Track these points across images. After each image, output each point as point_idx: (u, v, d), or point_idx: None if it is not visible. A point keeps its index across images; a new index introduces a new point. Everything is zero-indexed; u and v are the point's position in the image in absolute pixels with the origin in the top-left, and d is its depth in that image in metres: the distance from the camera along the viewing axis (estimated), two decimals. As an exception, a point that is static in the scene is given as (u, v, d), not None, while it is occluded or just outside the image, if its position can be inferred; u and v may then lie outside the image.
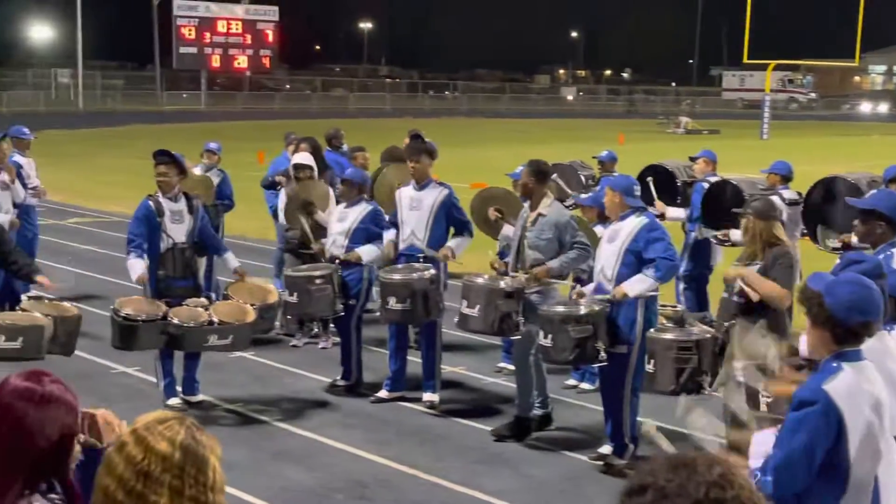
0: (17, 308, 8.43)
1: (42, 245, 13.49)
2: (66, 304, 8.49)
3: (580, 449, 8.25)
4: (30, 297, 12.26)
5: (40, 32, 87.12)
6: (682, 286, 11.64)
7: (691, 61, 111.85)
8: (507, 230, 9.52)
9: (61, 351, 8.10)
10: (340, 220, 9.81)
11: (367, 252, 9.56)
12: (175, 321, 8.53)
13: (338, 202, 10.26)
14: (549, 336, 7.70)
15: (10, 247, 8.47)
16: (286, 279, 9.70)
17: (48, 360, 8.00)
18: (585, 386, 9.85)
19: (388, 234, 9.52)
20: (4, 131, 12.34)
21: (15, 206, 11.60)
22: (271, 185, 12.23)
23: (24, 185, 11.95)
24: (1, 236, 8.41)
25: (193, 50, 64.68)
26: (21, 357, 7.73)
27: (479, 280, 8.48)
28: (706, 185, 11.55)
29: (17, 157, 12.43)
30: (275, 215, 12.44)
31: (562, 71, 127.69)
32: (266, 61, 68.10)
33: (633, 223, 7.65)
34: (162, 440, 2.41)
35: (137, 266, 8.79)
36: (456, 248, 9.35)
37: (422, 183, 9.44)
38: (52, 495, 2.76)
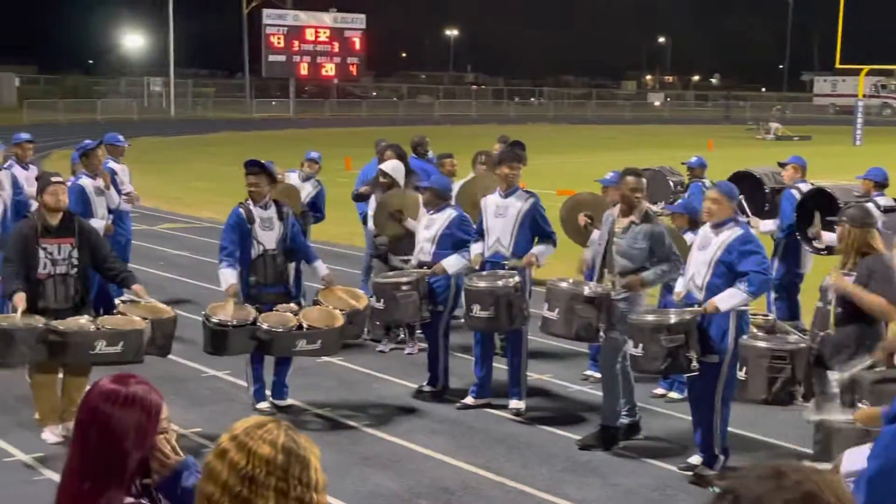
0: (113, 311, 8.61)
1: (134, 250, 13.76)
2: (162, 305, 8.65)
3: (668, 458, 8.15)
4: (124, 301, 12.55)
5: (133, 42, 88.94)
6: (773, 295, 11.43)
7: (781, 66, 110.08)
8: (596, 235, 9.45)
9: (158, 352, 8.26)
10: (427, 226, 9.84)
11: (452, 264, 9.55)
12: (264, 326, 8.62)
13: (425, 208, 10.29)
14: (640, 345, 7.61)
15: (107, 251, 8.67)
16: (373, 285, 9.75)
17: (143, 364, 8.16)
18: (674, 395, 9.73)
19: (476, 247, 9.48)
20: (100, 138, 12.61)
21: (110, 211, 11.85)
22: (360, 198, 12.32)
23: (119, 191, 12.20)
24: (97, 242, 8.61)
25: (282, 58, 65.48)
26: (121, 361, 7.92)
27: (562, 284, 8.44)
28: (795, 192, 11.35)
29: (112, 164, 12.69)
30: (364, 221, 12.53)
31: (649, 77, 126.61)
32: (353, 69, 68.67)
33: (728, 234, 7.53)
34: (264, 444, 2.42)
35: (229, 276, 8.92)
36: (540, 256, 9.31)
37: (508, 190, 9.42)
38: (143, 500, 2.80)
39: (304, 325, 8.70)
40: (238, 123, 57.54)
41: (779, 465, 1.93)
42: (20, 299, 8.02)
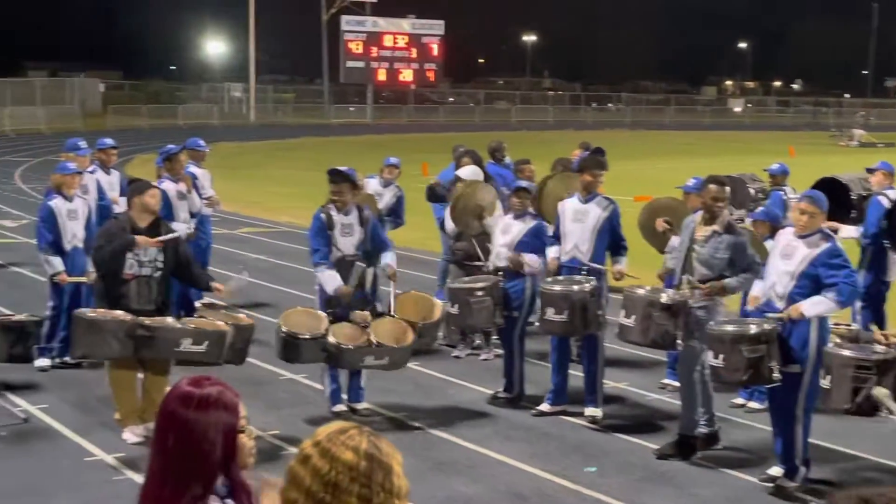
0: (195, 315, 8.75)
1: (214, 253, 13.93)
2: (240, 314, 8.79)
3: (748, 469, 8.02)
4: (204, 305, 12.73)
5: (215, 48, 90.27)
6: (858, 304, 11.19)
7: (865, 72, 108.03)
8: (675, 241, 9.36)
9: (235, 358, 8.37)
10: (505, 231, 9.81)
11: (531, 259, 9.56)
12: (333, 340, 8.69)
13: (505, 212, 10.27)
14: (721, 356, 7.50)
15: (188, 258, 8.81)
16: (448, 291, 9.75)
17: (221, 368, 8.26)
18: (754, 405, 9.58)
19: (552, 251, 9.45)
20: (182, 143, 12.81)
21: (192, 215, 12.02)
22: (436, 198, 12.33)
23: (200, 196, 12.38)
24: (180, 247, 8.74)
25: (360, 64, 65.96)
26: (202, 361, 8.07)
27: (639, 291, 8.35)
28: (882, 199, 11.11)
29: (193, 168, 12.87)
30: (441, 226, 12.55)
31: (729, 82, 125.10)
32: (431, 75, 68.92)
33: (815, 246, 7.38)
34: (346, 450, 2.42)
35: (333, 277, 8.98)
36: (624, 268, 9.34)
37: (588, 196, 9.37)
38: (228, 500, 2.81)
39: (374, 342, 8.74)
40: (316, 129, 58.06)
41: (865, 494, 1.88)
42: (91, 275, 8.27)
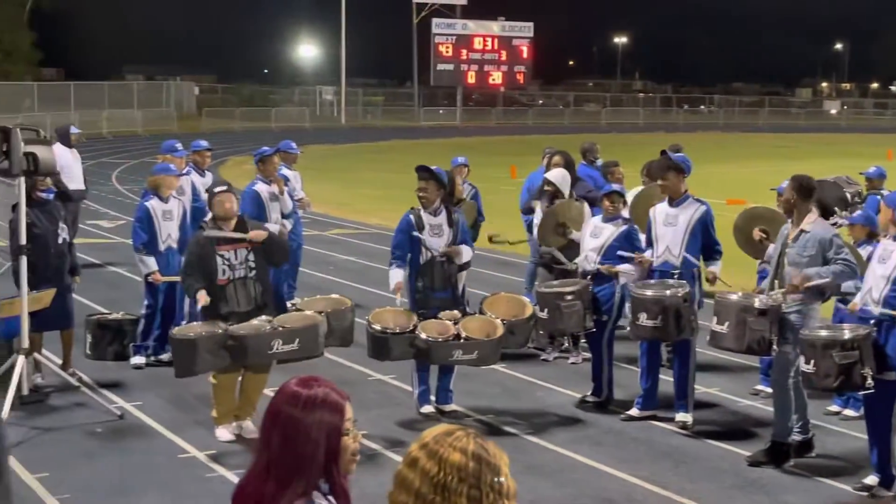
0: (294, 305, 8.87)
1: (305, 255, 14.08)
2: (340, 296, 8.92)
3: (842, 478, 7.85)
4: (293, 304, 12.86)
5: (307, 52, 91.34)
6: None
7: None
8: (771, 250, 9.21)
9: (340, 342, 8.54)
10: (594, 235, 9.75)
11: (626, 268, 9.48)
12: (422, 335, 8.72)
13: (594, 213, 10.21)
14: (812, 361, 7.36)
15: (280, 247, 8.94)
16: (537, 295, 9.73)
17: (316, 366, 8.35)
18: (849, 412, 9.38)
19: (645, 256, 9.37)
20: (275, 146, 12.97)
21: (283, 216, 12.16)
22: (531, 211, 12.33)
23: (292, 197, 12.52)
24: (273, 240, 8.86)
25: (450, 67, 66.17)
26: (301, 356, 8.20)
27: (732, 297, 8.23)
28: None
29: (285, 171, 13.02)
30: (529, 229, 12.53)
31: (825, 84, 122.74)
32: (520, 77, 68.85)
33: None
34: (454, 451, 2.43)
35: (395, 275, 9.14)
36: (718, 271, 9.23)
37: (676, 199, 9.27)
38: (331, 497, 2.84)
39: (462, 336, 8.75)
40: (406, 131, 58.39)
41: None
42: (202, 296, 8.39)
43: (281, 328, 8.20)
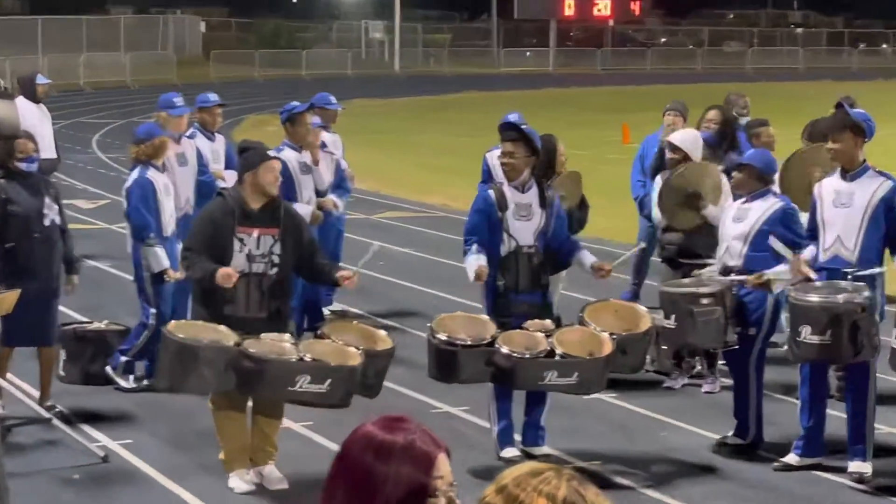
0: (319, 331, 8.88)
1: (347, 245, 14.11)
2: (380, 331, 8.91)
3: None
4: (333, 312, 12.94)
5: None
6: None
7: None
8: None
9: (365, 392, 8.52)
10: (737, 219, 9.67)
11: (779, 273, 9.34)
12: (504, 350, 8.70)
13: (733, 195, 10.13)
14: None
15: (314, 247, 8.96)
16: (661, 297, 9.67)
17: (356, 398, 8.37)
18: None
19: (807, 251, 9.23)
20: (308, 101, 12.97)
21: (318, 194, 12.19)
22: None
23: (339, 169, 12.58)
24: (304, 236, 8.86)
25: (540, -7, 65.96)
26: (323, 403, 8.28)
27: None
28: None
29: (323, 133, 13.05)
30: (641, 207, 12.48)
31: None
32: (635, 7, 68.55)
33: None
34: (539, 497, 2.42)
35: (474, 260, 9.11)
36: None
37: (852, 171, 9.16)
38: None
39: (558, 352, 8.73)
40: (480, 81, 58.40)
41: None
42: (227, 273, 8.40)
43: (312, 360, 8.23)
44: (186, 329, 8.49)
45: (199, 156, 12.12)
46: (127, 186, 10.84)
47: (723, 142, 11.63)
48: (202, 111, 12.88)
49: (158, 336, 10.66)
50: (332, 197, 12.37)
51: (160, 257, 10.57)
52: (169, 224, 10.79)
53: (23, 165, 9.97)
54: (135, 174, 10.85)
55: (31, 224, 9.85)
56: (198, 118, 12.80)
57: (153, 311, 10.75)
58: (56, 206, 10.06)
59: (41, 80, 15.92)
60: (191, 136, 12.25)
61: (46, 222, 9.94)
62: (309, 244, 8.95)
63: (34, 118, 14.85)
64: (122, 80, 53.65)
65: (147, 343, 10.68)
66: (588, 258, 9.48)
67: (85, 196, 22.37)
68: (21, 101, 14.70)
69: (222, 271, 8.41)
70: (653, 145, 12.79)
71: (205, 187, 11.72)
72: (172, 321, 8.91)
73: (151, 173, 10.75)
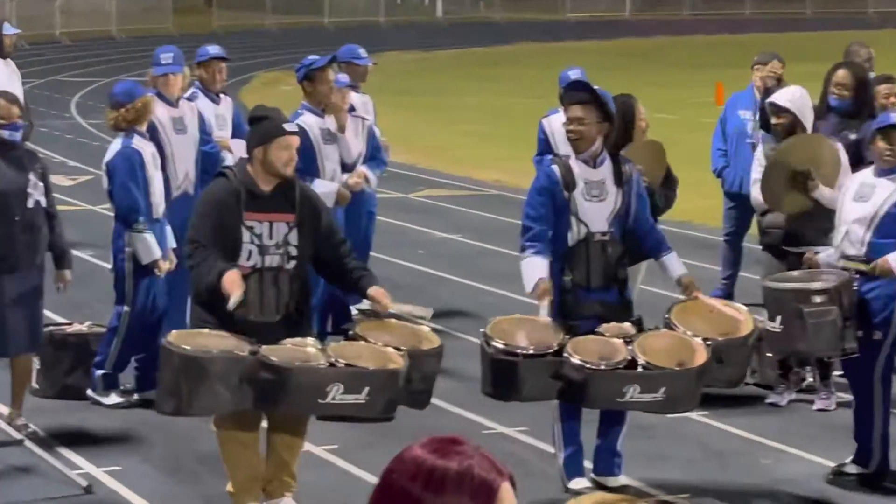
0: (350, 332, 8.86)
1: (379, 229, 14.11)
2: (423, 327, 8.88)
3: None
4: (362, 312, 12.91)
5: None
6: None
7: None
8: None
9: (412, 402, 8.48)
10: (860, 197, 9.63)
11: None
12: (575, 360, 8.68)
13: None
14: None
15: (337, 237, 8.89)
16: (765, 294, 9.65)
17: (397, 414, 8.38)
18: None
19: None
20: (330, 54, 12.92)
21: (344, 167, 12.18)
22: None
23: (372, 137, 12.57)
24: (325, 221, 8.82)
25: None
26: (363, 417, 8.32)
27: None
28: None
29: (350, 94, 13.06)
30: (722, 180, 12.51)
31: None
32: (730, -62, 68.09)
33: None
34: None
35: (536, 269, 9.04)
36: None
37: None
38: None
39: (640, 362, 8.71)
40: (541, 29, 58.30)
41: None
42: (233, 280, 8.28)
43: (345, 365, 8.22)
44: (190, 339, 8.48)
45: (202, 121, 12.12)
46: (108, 160, 10.83)
47: (862, 109, 11.45)
48: (200, 66, 12.83)
49: (134, 340, 10.77)
50: (363, 169, 12.32)
51: (150, 246, 10.60)
52: (159, 204, 10.79)
53: (4, 133, 9.96)
54: (116, 144, 10.87)
55: (11, 205, 9.83)
56: (197, 76, 12.76)
57: (125, 309, 10.78)
58: (42, 185, 10.03)
59: (8, 29, 15.91)
60: (191, 98, 12.25)
61: (30, 203, 9.94)
62: (330, 233, 8.88)
63: (1, 77, 14.89)
64: (106, 31, 53.79)
65: (122, 350, 10.72)
66: (676, 267, 9.39)
67: (63, 171, 22.37)
68: (-15, 56, 14.74)
69: (228, 277, 8.31)
70: (739, 107, 12.75)
71: (209, 160, 11.73)
72: (173, 331, 8.84)
73: (137, 142, 10.74)
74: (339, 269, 8.92)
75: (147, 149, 10.79)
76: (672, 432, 10.45)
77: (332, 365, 8.24)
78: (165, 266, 10.55)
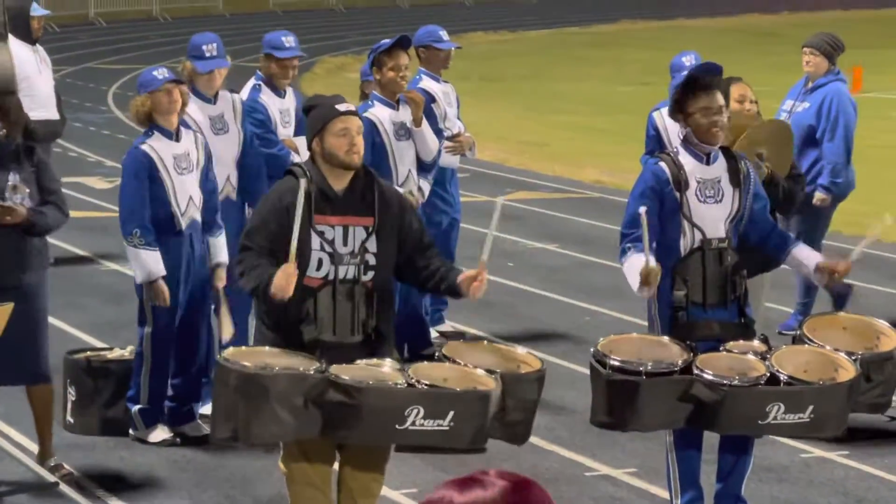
0: (429, 350, 8.86)
1: (463, 237, 14.09)
2: (520, 349, 8.87)
3: None
4: (443, 335, 12.94)
5: None
6: None
7: None
8: None
9: (508, 435, 8.47)
10: None
11: None
12: (707, 375, 8.65)
13: None
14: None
15: (421, 238, 8.84)
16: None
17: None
18: None
19: None
20: (400, 34, 12.85)
21: (422, 167, 12.18)
22: None
23: (438, 131, 12.55)
24: (407, 221, 8.81)
25: None
26: (448, 447, 8.33)
27: None
28: None
29: (427, 83, 13.07)
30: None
31: None
32: None
33: None
34: None
35: (637, 261, 8.93)
36: None
37: None
38: None
39: (782, 377, 8.69)
40: (651, 4, 58.10)
41: None
42: (285, 282, 8.29)
43: (425, 385, 8.23)
44: (249, 356, 8.52)
45: (267, 120, 12.14)
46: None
47: None
48: (271, 60, 12.75)
49: (163, 365, 10.77)
50: (415, 179, 12.29)
51: (145, 263, 10.60)
52: (186, 214, 10.77)
53: None
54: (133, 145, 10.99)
55: None
56: (263, 68, 12.70)
57: (146, 330, 10.79)
58: (28, 190, 9.94)
59: (36, 10, 15.99)
60: (253, 93, 12.25)
61: (8, 204, 9.87)
62: (418, 235, 8.88)
63: (29, 66, 14.99)
64: (146, 10, 54.03)
65: (152, 379, 10.72)
66: (810, 255, 9.33)
67: (99, 172, 22.51)
68: (12, 42, 14.83)
69: (278, 278, 8.30)
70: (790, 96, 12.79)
71: (275, 164, 11.73)
72: (230, 348, 8.91)
73: (153, 141, 10.74)
74: (426, 270, 8.86)
75: (167, 150, 10.75)
76: (806, 475, 10.39)
77: (411, 385, 8.22)
78: (165, 294, 10.49)
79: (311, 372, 8.22)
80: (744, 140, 10.03)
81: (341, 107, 8.73)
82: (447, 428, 8.17)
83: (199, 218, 10.88)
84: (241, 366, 8.30)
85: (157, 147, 10.77)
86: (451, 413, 8.17)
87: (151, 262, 10.57)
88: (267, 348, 8.61)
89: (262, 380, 8.22)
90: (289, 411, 8.19)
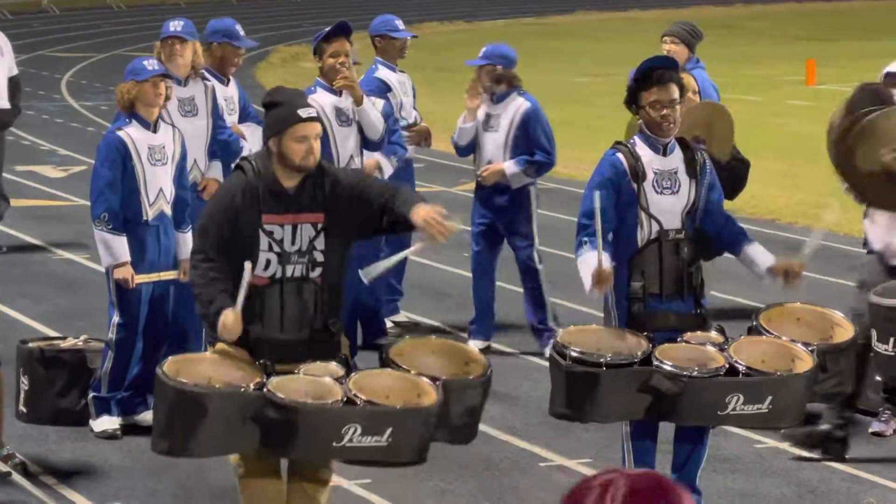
0: (383, 352, 8.80)
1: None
2: (470, 347, 8.86)
3: None
4: (398, 325, 12.92)
5: None
6: None
7: None
8: None
9: (452, 438, 8.49)
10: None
11: None
12: (667, 366, 8.69)
13: None
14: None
15: (391, 191, 8.70)
16: (873, 311, 9.65)
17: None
18: None
19: None
20: (343, 20, 12.74)
21: (369, 145, 12.10)
22: None
23: (393, 122, 12.55)
24: (367, 185, 8.64)
25: None
26: (389, 461, 8.33)
27: None
28: None
29: (383, 72, 13.09)
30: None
31: None
32: None
33: None
34: None
35: (591, 262, 8.92)
36: None
37: None
38: None
39: (741, 368, 8.72)
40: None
41: None
42: (231, 320, 8.25)
43: (365, 402, 8.17)
44: (189, 367, 8.46)
45: (215, 106, 12.07)
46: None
47: None
48: (224, 47, 12.66)
49: (127, 353, 10.73)
50: (375, 156, 12.33)
51: (110, 246, 10.64)
52: (155, 205, 10.75)
53: None
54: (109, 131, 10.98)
55: None
56: (211, 56, 12.57)
57: (116, 320, 10.77)
58: None
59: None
60: (204, 80, 12.17)
61: None
62: (381, 187, 8.80)
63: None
64: (100, -2, 53.86)
65: (114, 367, 10.72)
66: (763, 256, 9.28)
67: (52, 160, 22.46)
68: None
69: (227, 322, 8.22)
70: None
71: (226, 150, 11.70)
72: (170, 357, 8.78)
73: (130, 129, 10.74)
74: (392, 215, 8.48)
75: (144, 139, 10.72)
76: (759, 466, 10.42)
77: (349, 401, 8.16)
78: (131, 276, 10.48)
79: (250, 388, 8.15)
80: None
81: (304, 112, 8.55)
82: (385, 444, 8.15)
83: (168, 211, 10.87)
84: (178, 382, 8.22)
85: (134, 135, 10.78)
86: (390, 430, 8.15)
87: (117, 245, 10.61)
88: (209, 354, 8.60)
89: (198, 398, 8.18)
90: (225, 428, 8.19)
